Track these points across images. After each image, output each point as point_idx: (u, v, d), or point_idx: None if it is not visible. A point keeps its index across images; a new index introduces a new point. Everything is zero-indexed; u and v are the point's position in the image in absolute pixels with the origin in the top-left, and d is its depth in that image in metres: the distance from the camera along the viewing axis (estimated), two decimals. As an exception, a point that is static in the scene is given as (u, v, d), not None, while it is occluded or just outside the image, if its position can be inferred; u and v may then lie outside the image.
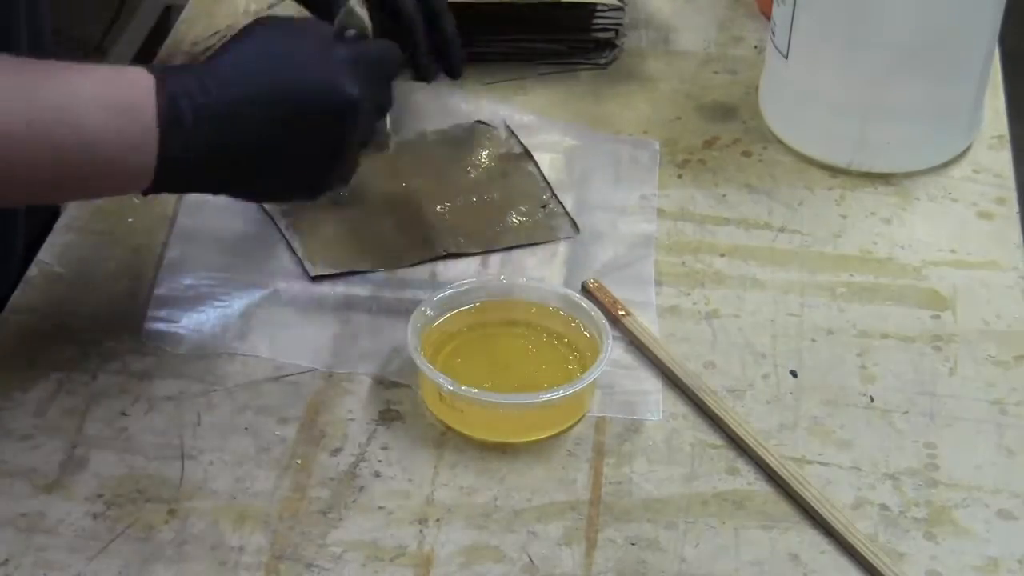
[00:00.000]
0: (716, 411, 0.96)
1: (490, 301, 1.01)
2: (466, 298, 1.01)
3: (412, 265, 1.07)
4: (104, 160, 0.85)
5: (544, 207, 1.12)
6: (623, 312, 1.02)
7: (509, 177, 1.15)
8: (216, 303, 1.04)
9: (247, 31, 0.92)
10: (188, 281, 1.05)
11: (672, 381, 0.99)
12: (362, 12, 0.98)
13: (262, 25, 0.92)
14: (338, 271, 1.06)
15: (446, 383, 0.93)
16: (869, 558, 0.87)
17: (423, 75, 1.10)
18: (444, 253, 1.07)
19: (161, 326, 1.02)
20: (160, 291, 1.04)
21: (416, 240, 1.09)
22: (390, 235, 1.09)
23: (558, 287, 1.02)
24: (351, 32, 0.97)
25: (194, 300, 1.04)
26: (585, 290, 1.04)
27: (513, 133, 1.19)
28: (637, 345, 1.01)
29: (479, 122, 1.20)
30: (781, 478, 0.92)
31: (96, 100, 0.84)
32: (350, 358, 1.00)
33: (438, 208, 1.11)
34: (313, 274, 1.06)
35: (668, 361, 0.99)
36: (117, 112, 0.84)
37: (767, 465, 0.92)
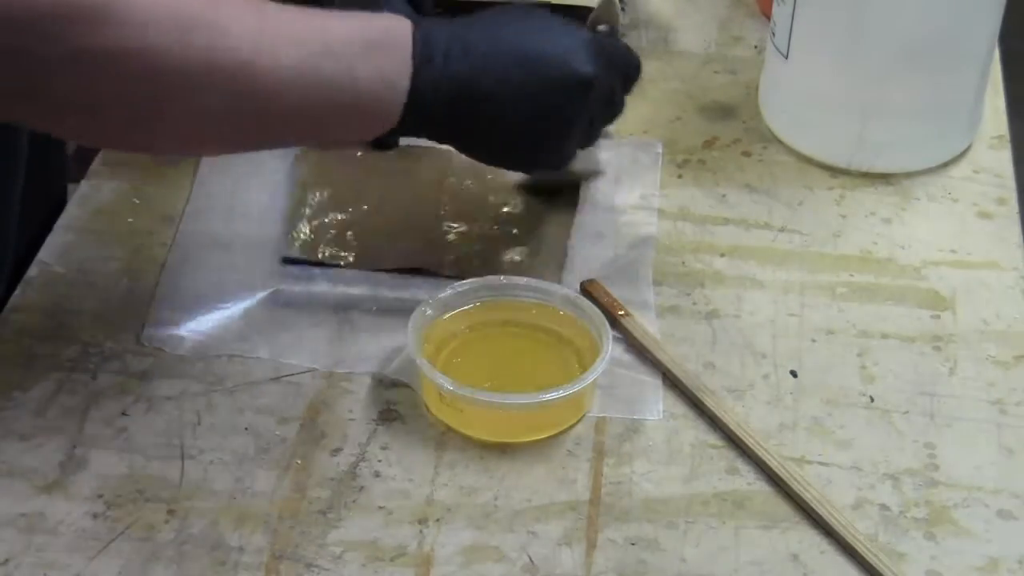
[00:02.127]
0: (716, 411, 0.96)
1: (490, 301, 1.01)
2: (466, 298, 1.01)
3: (388, 271, 1.06)
4: (364, 95, 0.88)
5: (550, 253, 1.08)
6: (623, 312, 1.02)
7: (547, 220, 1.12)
8: (217, 304, 1.04)
9: (503, 6, 0.97)
10: (189, 282, 1.05)
11: (672, 381, 0.99)
12: (617, 9, 1.04)
13: (516, 4, 0.97)
14: (309, 259, 1.07)
15: (446, 383, 0.93)
16: (869, 558, 0.87)
17: None
18: (420, 268, 1.06)
19: (161, 328, 1.02)
20: (161, 292, 1.04)
21: (404, 249, 1.08)
22: (387, 238, 1.09)
23: (558, 287, 1.02)
24: (603, 27, 1.02)
25: (194, 301, 1.04)
26: (585, 290, 1.04)
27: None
28: (637, 345, 1.01)
29: None
30: (781, 478, 0.91)
31: (357, 38, 0.88)
32: (350, 358, 1.00)
33: (453, 226, 1.10)
34: (283, 255, 1.07)
35: (668, 361, 0.99)
36: (377, 49, 0.88)
37: (767, 465, 0.92)
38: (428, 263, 1.07)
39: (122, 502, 0.90)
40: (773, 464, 0.92)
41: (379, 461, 0.93)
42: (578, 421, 0.96)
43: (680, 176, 1.17)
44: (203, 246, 1.08)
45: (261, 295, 1.04)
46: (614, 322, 1.01)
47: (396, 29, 0.89)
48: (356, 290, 1.05)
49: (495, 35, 0.93)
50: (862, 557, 0.87)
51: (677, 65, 1.30)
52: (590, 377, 0.94)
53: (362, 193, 1.13)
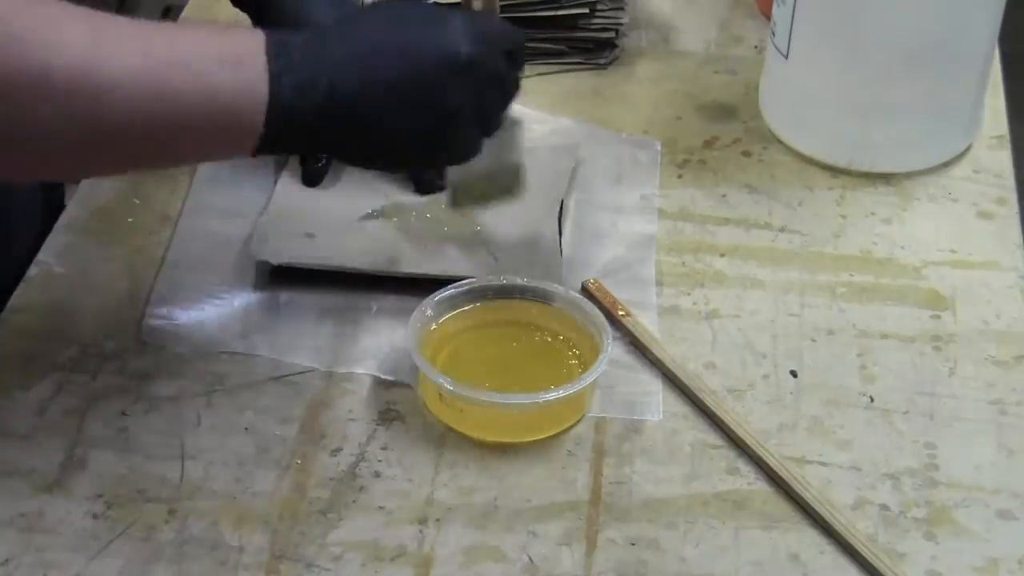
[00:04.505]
0: (716, 411, 0.96)
1: (491, 302, 1.01)
2: (467, 298, 1.01)
3: (370, 273, 1.05)
4: (220, 109, 0.83)
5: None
6: (623, 312, 1.02)
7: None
8: (216, 302, 1.04)
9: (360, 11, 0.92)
10: (189, 280, 1.05)
11: (672, 381, 0.98)
12: None
13: (377, 3, 0.92)
14: (290, 262, 1.04)
15: (446, 383, 0.93)
16: (869, 558, 0.87)
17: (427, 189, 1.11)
18: (405, 273, 1.04)
19: (161, 323, 1.02)
20: (160, 289, 1.04)
21: (392, 252, 1.06)
22: (371, 239, 1.07)
23: (558, 287, 1.02)
24: (477, 4, 0.97)
25: (194, 299, 1.04)
26: (585, 290, 1.04)
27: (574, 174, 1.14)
28: (637, 345, 1.01)
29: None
30: (781, 478, 0.91)
31: (209, 50, 0.83)
32: (350, 358, 1.00)
33: (438, 219, 1.08)
34: (259, 257, 1.05)
35: (668, 361, 0.99)
36: (231, 61, 0.83)
37: (767, 465, 0.92)
38: (414, 268, 1.05)
39: (122, 502, 0.90)
40: (773, 464, 0.92)
41: (379, 461, 0.93)
42: (578, 421, 0.96)
43: (680, 176, 1.17)
44: (201, 244, 1.08)
45: (260, 293, 1.04)
46: (614, 322, 1.01)
47: (249, 38, 0.84)
48: (356, 290, 1.05)
49: (355, 31, 0.88)
50: (863, 557, 0.87)
51: (677, 65, 1.30)
52: (590, 377, 0.94)
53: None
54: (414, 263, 1.05)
